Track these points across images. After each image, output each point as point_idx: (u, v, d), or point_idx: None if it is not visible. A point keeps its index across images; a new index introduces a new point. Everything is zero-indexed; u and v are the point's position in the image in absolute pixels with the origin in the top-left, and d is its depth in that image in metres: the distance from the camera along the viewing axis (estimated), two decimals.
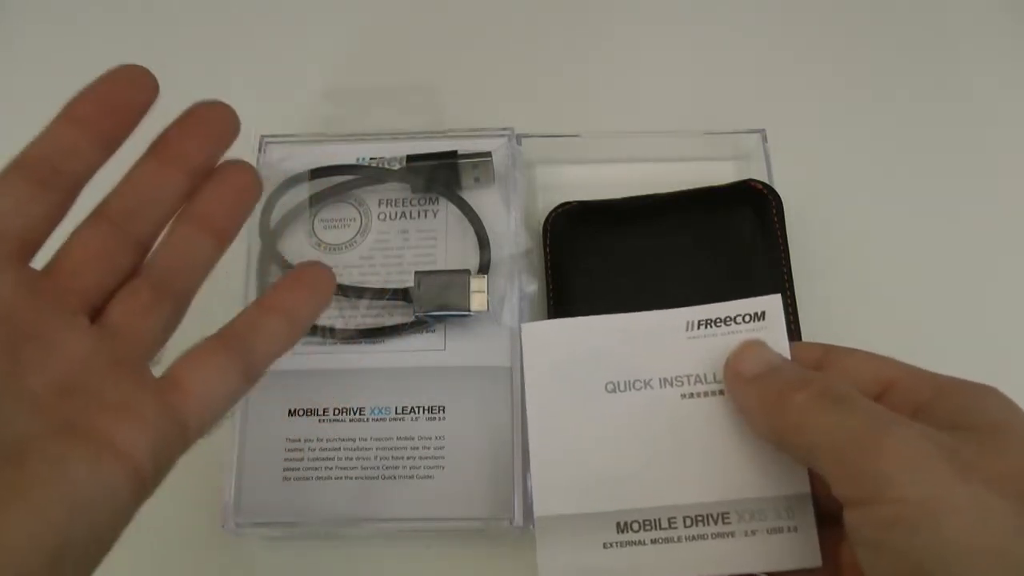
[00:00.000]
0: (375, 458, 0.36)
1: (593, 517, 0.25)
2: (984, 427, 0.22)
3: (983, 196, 0.44)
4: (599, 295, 0.39)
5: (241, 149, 0.41)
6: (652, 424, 0.26)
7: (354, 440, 0.37)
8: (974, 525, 0.19)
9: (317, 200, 0.41)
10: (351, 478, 0.36)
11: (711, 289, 0.37)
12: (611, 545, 0.25)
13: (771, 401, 0.24)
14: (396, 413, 0.37)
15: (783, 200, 0.40)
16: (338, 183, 0.41)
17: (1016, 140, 0.45)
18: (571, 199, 0.42)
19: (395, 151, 0.42)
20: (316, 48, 0.49)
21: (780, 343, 0.26)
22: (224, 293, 0.39)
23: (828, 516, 0.25)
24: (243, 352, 0.24)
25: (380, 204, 0.41)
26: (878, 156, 0.45)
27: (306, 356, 0.38)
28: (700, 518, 0.25)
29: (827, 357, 0.26)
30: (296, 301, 0.26)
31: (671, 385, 0.26)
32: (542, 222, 0.41)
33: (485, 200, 0.41)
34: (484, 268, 0.39)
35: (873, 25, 0.49)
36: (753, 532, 0.25)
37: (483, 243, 0.39)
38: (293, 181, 0.41)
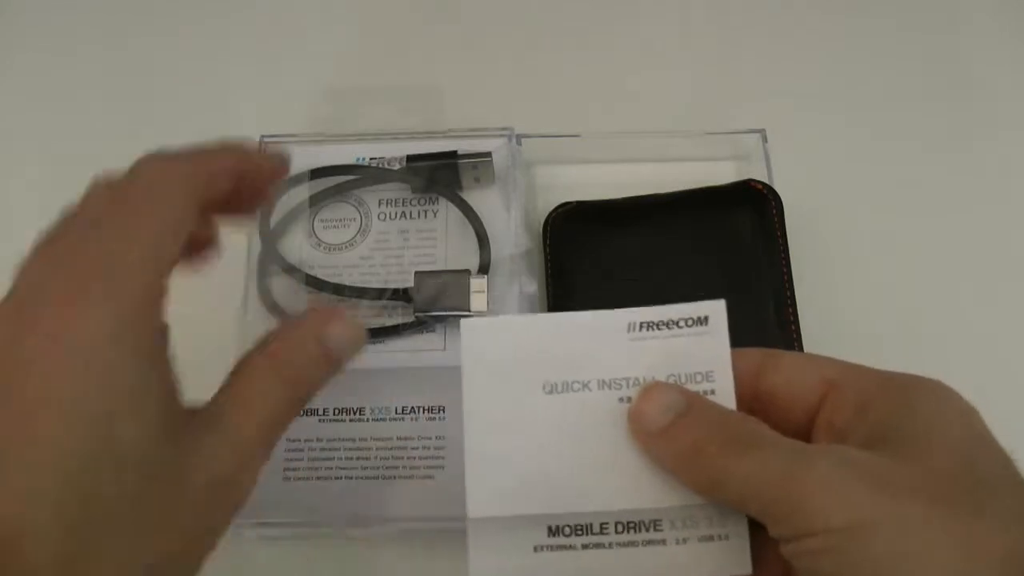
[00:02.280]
0: (375, 458, 0.36)
1: (525, 520, 0.25)
2: (913, 431, 0.22)
3: (984, 196, 0.44)
4: (599, 295, 0.39)
5: None
6: (588, 427, 0.25)
7: (354, 440, 0.37)
8: (895, 539, 0.20)
9: (317, 200, 0.41)
10: (351, 478, 0.36)
11: (711, 289, 0.37)
12: (542, 548, 0.25)
13: (686, 458, 0.24)
14: (396, 413, 0.37)
15: (783, 200, 0.40)
16: (338, 183, 0.41)
17: (1018, 140, 0.45)
18: (571, 199, 0.42)
19: (395, 151, 0.42)
20: (316, 48, 0.49)
21: (721, 349, 0.25)
22: (225, 293, 0.39)
23: None
24: None
25: (380, 204, 0.41)
26: (878, 156, 0.45)
27: None
28: (632, 524, 0.25)
29: (766, 362, 0.26)
30: None
31: (609, 388, 0.26)
32: (542, 222, 0.41)
33: (485, 200, 0.41)
34: (484, 268, 0.39)
35: (873, 25, 0.49)
36: (684, 540, 0.25)
37: (483, 243, 0.39)
38: (293, 181, 0.41)
